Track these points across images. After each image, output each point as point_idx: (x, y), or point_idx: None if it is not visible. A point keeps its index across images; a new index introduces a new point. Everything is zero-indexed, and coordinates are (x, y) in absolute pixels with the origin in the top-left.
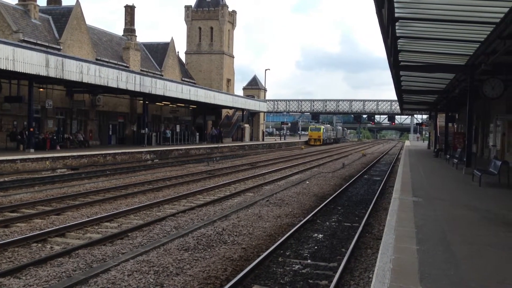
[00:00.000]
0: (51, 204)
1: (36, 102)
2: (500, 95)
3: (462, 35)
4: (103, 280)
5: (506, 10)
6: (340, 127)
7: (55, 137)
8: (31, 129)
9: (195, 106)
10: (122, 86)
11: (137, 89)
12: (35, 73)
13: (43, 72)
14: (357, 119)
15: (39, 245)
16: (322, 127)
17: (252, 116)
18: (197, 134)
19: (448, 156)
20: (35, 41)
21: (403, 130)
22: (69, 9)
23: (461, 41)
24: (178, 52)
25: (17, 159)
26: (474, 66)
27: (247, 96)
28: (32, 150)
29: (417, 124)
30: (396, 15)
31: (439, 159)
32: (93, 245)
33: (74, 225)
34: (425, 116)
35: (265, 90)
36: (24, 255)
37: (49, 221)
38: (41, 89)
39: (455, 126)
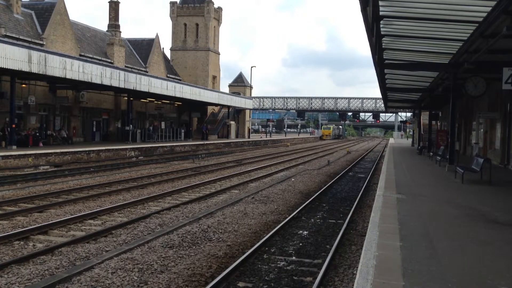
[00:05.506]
0: (34, 201)
1: (18, 98)
2: (483, 93)
3: (446, 33)
4: (87, 278)
5: (489, 9)
6: (341, 127)
7: (37, 134)
8: (13, 126)
9: (180, 103)
10: (106, 82)
11: (122, 85)
12: (17, 69)
13: (25, 68)
14: (342, 117)
15: (22, 243)
16: (331, 126)
17: (238, 113)
18: (183, 131)
19: (431, 153)
20: (18, 36)
21: (388, 128)
22: (52, 4)
23: (445, 39)
24: (163, 49)
25: None
26: (457, 65)
27: (233, 93)
28: (14, 147)
29: (401, 122)
30: (380, 13)
31: (422, 157)
32: (76, 243)
33: (57, 222)
34: (409, 114)
35: (251, 87)
36: (6, 253)
37: (32, 218)
38: (24, 85)
39: (439, 123)
